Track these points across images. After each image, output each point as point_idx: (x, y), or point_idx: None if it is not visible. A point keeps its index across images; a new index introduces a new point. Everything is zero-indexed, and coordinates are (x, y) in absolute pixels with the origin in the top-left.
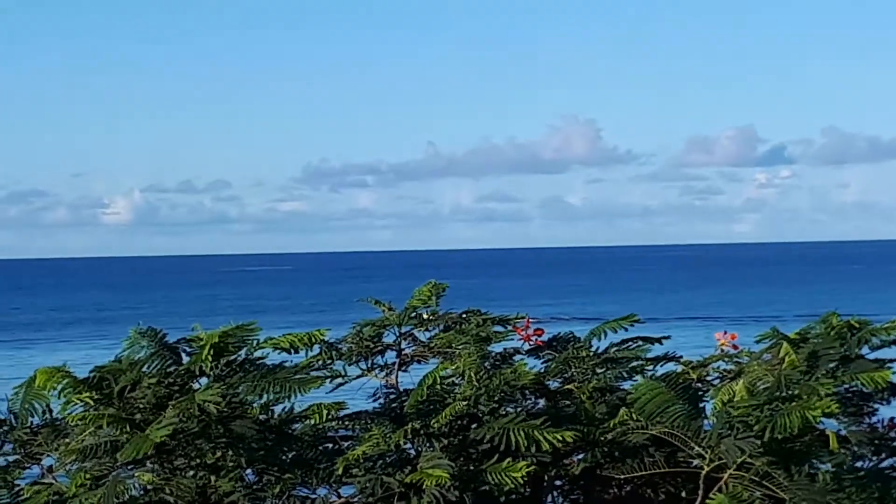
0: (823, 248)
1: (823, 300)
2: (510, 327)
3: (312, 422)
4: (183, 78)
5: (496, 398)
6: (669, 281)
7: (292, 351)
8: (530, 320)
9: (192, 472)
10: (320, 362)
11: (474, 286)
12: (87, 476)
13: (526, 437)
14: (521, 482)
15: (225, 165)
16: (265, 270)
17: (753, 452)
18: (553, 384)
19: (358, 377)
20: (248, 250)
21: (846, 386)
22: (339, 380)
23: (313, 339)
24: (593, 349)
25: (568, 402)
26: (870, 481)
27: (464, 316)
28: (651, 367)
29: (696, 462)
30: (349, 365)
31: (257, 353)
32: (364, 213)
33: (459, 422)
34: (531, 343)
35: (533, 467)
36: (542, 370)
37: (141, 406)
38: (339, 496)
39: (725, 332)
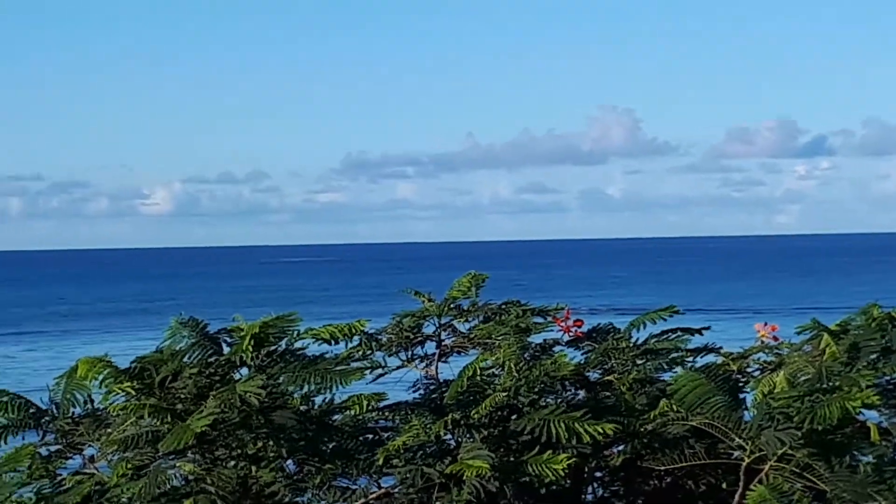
0: (864, 239)
1: (864, 291)
2: (550, 318)
3: (353, 412)
4: (224, 70)
5: (536, 389)
6: (709, 272)
7: (332, 342)
8: (570, 311)
9: (232, 463)
10: (360, 353)
11: (512, 277)
12: (129, 466)
13: (566, 429)
14: (562, 474)
15: (264, 156)
16: (305, 261)
17: (794, 444)
18: (593, 375)
19: (398, 368)
20: (287, 241)
21: (887, 378)
22: (380, 371)
23: (353, 330)
24: (633, 340)
25: (608, 394)
26: None
27: (503, 307)
28: (691, 359)
29: (736, 454)
30: (389, 356)
31: (298, 344)
32: (404, 203)
33: (499, 413)
34: (571, 334)
35: (574, 459)
36: (582, 361)
37: (182, 396)
38: (380, 487)
39: (766, 324)
